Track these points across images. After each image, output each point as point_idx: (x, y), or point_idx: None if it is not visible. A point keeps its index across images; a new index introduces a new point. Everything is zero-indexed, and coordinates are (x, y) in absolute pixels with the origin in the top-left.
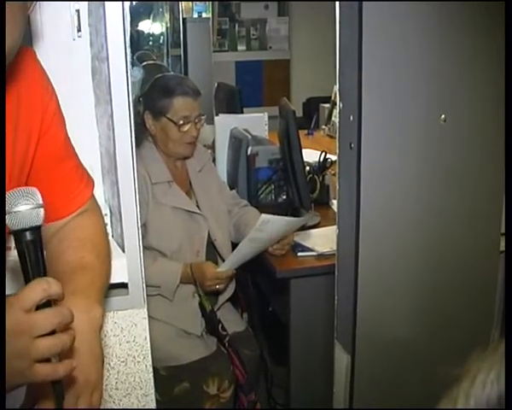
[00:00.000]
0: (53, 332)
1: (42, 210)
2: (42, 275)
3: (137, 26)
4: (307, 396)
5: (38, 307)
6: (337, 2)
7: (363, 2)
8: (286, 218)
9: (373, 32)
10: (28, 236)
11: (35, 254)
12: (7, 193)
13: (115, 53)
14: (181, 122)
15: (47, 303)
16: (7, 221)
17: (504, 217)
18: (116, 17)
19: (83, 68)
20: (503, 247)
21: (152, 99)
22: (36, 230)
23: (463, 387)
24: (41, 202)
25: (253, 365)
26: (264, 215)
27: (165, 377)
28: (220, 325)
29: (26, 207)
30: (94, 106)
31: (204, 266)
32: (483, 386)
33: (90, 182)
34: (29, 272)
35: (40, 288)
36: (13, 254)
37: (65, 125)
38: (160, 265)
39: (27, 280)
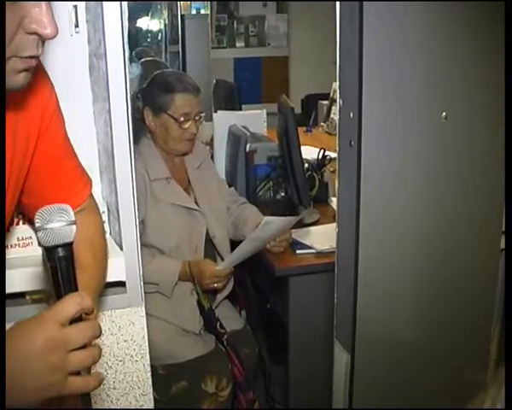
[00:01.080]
0: (84, 346)
1: (74, 227)
2: (73, 290)
3: (136, 22)
4: (306, 395)
5: (71, 321)
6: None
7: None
8: (286, 218)
9: (373, 28)
10: (61, 252)
11: (67, 270)
12: (40, 209)
13: (113, 50)
14: (182, 119)
15: (78, 317)
16: (40, 237)
17: (504, 216)
18: (114, 14)
19: (81, 65)
20: (503, 245)
21: (152, 95)
22: (68, 246)
23: (491, 393)
24: (73, 218)
25: (252, 363)
26: (266, 218)
27: (163, 375)
28: (218, 324)
29: (59, 224)
30: (92, 103)
31: (202, 264)
32: None
33: (89, 181)
34: (61, 287)
35: (75, 302)
36: (12, 252)
37: (64, 123)
38: (159, 262)
39: (59, 295)
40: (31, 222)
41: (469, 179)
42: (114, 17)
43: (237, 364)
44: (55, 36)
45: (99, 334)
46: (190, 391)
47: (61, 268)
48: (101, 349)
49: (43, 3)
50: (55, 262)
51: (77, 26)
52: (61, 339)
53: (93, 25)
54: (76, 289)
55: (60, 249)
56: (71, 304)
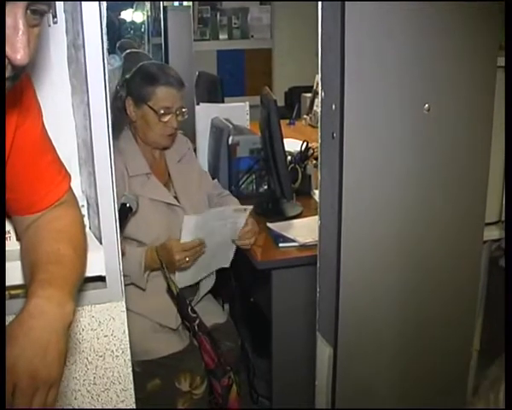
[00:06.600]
0: None
1: None
2: None
3: (119, 14)
4: (289, 388)
5: None
6: None
7: None
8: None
9: (356, 20)
10: None
11: None
12: None
13: (91, 41)
14: (162, 112)
15: None
16: None
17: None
18: (92, 4)
19: (59, 56)
20: (486, 236)
21: (135, 85)
22: None
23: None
24: None
25: (234, 356)
26: (186, 217)
27: (138, 373)
28: (190, 308)
29: None
30: (70, 95)
31: (168, 243)
32: None
33: (67, 175)
34: None
35: None
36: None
37: (41, 116)
38: (127, 253)
39: None
40: (9, 216)
41: (453, 171)
42: (93, 7)
43: (208, 349)
44: (24, 64)
45: None
46: (164, 389)
47: None
48: None
49: (22, 25)
50: None
51: (55, 16)
52: None
53: (71, 15)
54: None
55: None
56: None
